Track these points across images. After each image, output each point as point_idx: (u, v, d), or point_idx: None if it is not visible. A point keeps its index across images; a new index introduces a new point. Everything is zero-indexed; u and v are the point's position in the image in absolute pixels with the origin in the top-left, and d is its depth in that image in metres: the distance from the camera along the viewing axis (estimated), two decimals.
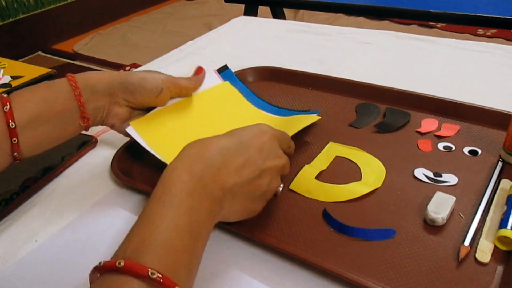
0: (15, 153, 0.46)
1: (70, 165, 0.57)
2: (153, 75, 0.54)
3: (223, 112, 0.61)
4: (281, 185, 0.44)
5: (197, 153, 0.38)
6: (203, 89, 0.62)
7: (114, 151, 0.57)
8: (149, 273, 0.28)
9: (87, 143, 0.59)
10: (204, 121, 0.58)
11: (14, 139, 0.45)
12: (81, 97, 0.49)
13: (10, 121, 0.44)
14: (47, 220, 0.48)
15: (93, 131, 0.63)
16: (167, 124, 0.56)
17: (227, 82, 0.65)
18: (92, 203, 0.50)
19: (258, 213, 0.43)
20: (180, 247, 0.32)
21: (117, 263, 0.29)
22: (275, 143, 0.43)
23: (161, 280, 0.29)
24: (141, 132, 0.53)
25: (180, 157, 0.38)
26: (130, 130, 0.53)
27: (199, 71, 0.62)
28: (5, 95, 0.46)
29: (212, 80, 0.64)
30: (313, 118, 0.58)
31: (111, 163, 0.55)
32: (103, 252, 0.44)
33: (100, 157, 0.58)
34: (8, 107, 0.45)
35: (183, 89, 0.58)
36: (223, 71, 0.67)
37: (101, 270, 0.30)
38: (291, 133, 0.52)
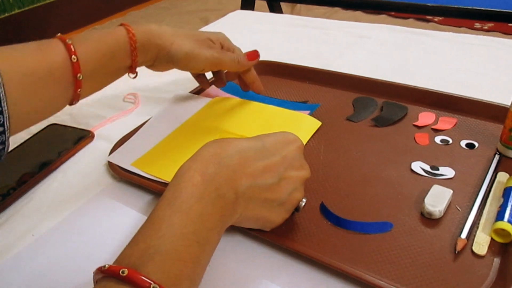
0: (74, 101, 0.50)
1: (67, 160, 0.57)
2: (199, 54, 0.58)
3: (225, 120, 0.60)
4: (304, 199, 0.42)
5: (213, 153, 0.36)
6: (197, 109, 0.62)
7: (111, 146, 0.57)
8: (151, 287, 0.28)
9: (84, 138, 0.59)
10: (209, 135, 0.57)
11: (79, 90, 0.48)
12: (136, 57, 0.54)
13: (78, 74, 0.47)
14: (44, 214, 0.48)
15: (89, 125, 0.63)
16: (171, 152, 0.55)
17: (217, 98, 0.65)
18: (89, 198, 0.50)
19: (278, 225, 0.41)
20: (185, 256, 0.31)
21: (120, 271, 0.29)
22: (300, 153, 0.41)
23: None
24: (145, 169, 0.52)
25: (195, 157, 0.36)
26: (133, 168, 0.53)
27: (254, 56, 0.62)
28: (69, 41, 0.48)
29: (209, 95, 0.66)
30: (315, 123, 0.58)
31: (108, 157, 0.55)
32: (100, 246, 0.44)
33: (97, 152, 0.58)
34: (75, 57, 0.47)
35: (227, 69, 0.62)
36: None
37: (105, 273, 0.30)
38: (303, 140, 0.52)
